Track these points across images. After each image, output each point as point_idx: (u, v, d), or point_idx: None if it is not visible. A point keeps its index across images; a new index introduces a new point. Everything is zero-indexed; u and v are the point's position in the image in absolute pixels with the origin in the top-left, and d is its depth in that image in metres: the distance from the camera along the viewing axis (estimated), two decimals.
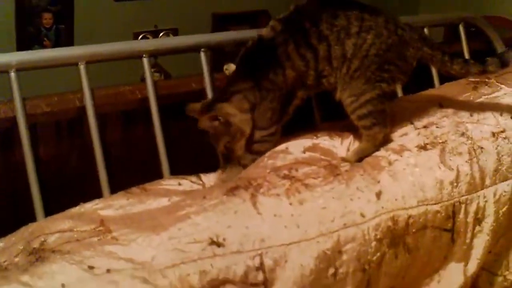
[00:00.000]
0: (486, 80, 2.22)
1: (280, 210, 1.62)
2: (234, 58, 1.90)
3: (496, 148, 1.94)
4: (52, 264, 1.41)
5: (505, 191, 1.91)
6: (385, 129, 1.83)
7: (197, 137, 1.75)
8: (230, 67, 1.95)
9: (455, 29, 2.64)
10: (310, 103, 2.05)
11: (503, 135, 1.98)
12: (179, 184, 1.78)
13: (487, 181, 1.88)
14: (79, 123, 1.85)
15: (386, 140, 1.87)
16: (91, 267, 1.41)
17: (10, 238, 1.55)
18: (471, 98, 2.09)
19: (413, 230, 1.74)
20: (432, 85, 2.13)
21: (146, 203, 1.65)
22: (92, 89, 1.84)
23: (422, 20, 2.57)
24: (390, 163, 1.81)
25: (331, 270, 1.60)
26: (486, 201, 1.87)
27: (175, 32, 3.67)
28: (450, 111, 2.03)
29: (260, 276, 1.52)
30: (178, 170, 1.90)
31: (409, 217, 1.73)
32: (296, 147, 1.87)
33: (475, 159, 1.88)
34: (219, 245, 1.51)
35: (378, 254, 1.68)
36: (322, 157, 1.84)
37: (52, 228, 1.54)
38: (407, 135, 1.91)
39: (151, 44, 2.05)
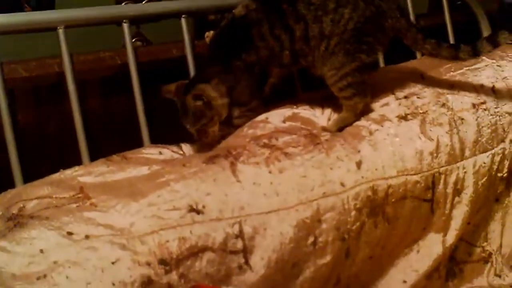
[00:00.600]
0: None
1: (259, 179, 1.62)
2: (216, 26, 1.88)
3: (476, 120, 1.94)
4: (31, 230, 1.40)
5: (484, 163, 1.92)
6: (366, 98, 1.83)
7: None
8: (211, 35, 1.93)
9: (440, 0, 2.63)
10: (291, 74, 2.03)
11: (484, 106, 1.98)
12: (160, 153, 1.77)
13: (467, 152, 1.89)
14: (58, 89, 1.82)
15: (366, 110, 1.87)
16: (69, 233, 1.40)
17: None
18: (452, 69, 2.09)
19: (393, 200, 1.74)
20: (414, 56, 2.12)
21: (126, 171, 1.64)
22: (72, 55, 1.81)
23: None
24: (370, 133, 1.81)
25: (311, 239, 1.61)
26: (465, 172, 1.88)
27: None
28: (431, 82, 2.02)
29: (240, 244, 1.52)
30: (159, 137, 1.89)
31: (389, 187, 1.74)
32: (276, 117, 1.87)
33: (455, 130, 1.88)
34: (198, 212, 1.51)
35: (358, 223, 1.68)
36: (303, 126, 1.84)
37: (31, 195, 1.53)
38: (388, 105, 1.91)
39: (130, 9, 2.01)
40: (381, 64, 2.27)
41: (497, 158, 1.96)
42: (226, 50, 1.76)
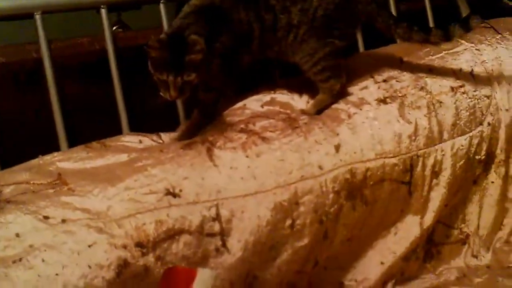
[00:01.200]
0: None
1: (236, 163, 1.64)
2: None
3: (455, 103, 1.96)
4: (7, 214, 1.41)
5: (462, 145, 1.94)
6: (341, 79, 1.84)
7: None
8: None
9: None
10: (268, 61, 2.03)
11: (462, 90, 2.00)
12: (140, 142, 1.78)
13: (445, 135, 1.90)
14: (37, 75, 1.82)
15: (343, 91, 1.87)
16: (46, 217, 1.41)
17: None
18: (432, 53, 2.10)
19: (371, 183, 1.76)
20: (393, 41, 2.13)
21: (105, 158, 1.65)
22: (50, 41, 1.81)
23: None
24: (349, 116, 1.82)
25: (288, 221, 1.62)
26: (443, 155, 1.90)
27: None
28: (410, 65, 2.03)
29: (217, 227, 1.53)
30: (138, 124, 1.89)
31: (367, 169, 1.75)
32: (254, 103, 1.88)
33: (433, 113, 1.90)
34: (175, 195, 1.52)
35: (336, 206, 1.70)
36: (281, 110, 1.85)
37: (9, 180, 1.54)
38: (367, 89, 1.92)
39: None
40: (361, 48, 2.27)
41: (475, 141, 1.97)
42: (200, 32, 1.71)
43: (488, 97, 2.03)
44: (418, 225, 1.88)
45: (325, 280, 1.80)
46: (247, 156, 1.64)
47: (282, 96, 1.90)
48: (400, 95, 1.92)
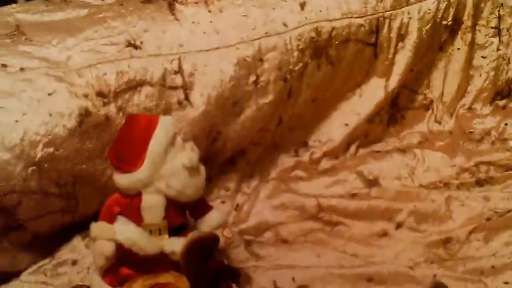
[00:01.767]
0: None
1: (198, 17, 1.62)
2: None
3: None
4: None
5: (429, 9, 1.92)
6: None
7: None
8: None
9: None
10: None
11: None
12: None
13: None
14: None
15: None
16: (4, 65, 1.40)
17: None
18: None
19: (336, 42, 1.75)
20: None
21: (65, 12, 1.62)
22: None
23: None
24: None
25: (252, 78, 1.62)
26: (410, 18, 1.89)
27: None
28: None
29: (179, 80, 1.53)
30: None
31: (333, 29, 1.74)
32: None
33: None
34: (136, 47, 1.50)
35: (300, 64, 1.69)
36: None
37: None
38: None
39: None
40: None
41: (442, 5, 1.96)
42: None
43: None
44: (383, 88, 1.90)
45: (289, 139, 1.82)
46: (209, 11, 1.63)
47: None
48: None
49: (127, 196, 1.25)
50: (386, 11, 1.84)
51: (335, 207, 1.63)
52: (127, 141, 1.25)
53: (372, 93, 1.89)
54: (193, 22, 1.58)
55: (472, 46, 2.05)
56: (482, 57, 2.06)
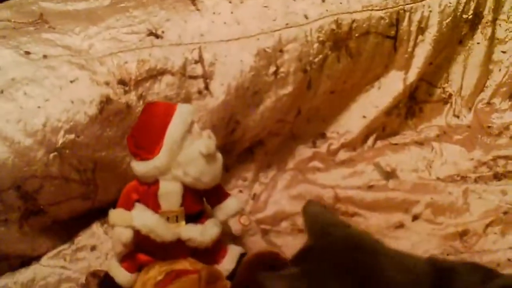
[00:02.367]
0: None
1: (219, 8, 1.63)
2: None
3: None
4: None
5: (450, 3, 1.92)
6: None
7: None
8: None
9: None
10: None
11: None
12: None
13: None
14: None
15: None
16: (27, 53, 1.41)
17: None
18: None
19: (356, 35, 1.75)
20: None
21: (88, 1, 1.64)
22: None
23: None
24: None
25: (272, 69, 1.63)
26: (430, 11, 1.88)
27: None
28: None
29: (199, 69, 1.54)
30: None
31: (353, 21, 1.74)
32: None
33: None
34: (157, 36, 1.52)
35: (320, 56, 1.70)
36: None
37: None
38: None
39: None
40: None
41: None
42: None
43: None
44: (402, 80, 1.89)
45: (308, 130, 1.83)
46: (230, 2, 1.64)
47: None
48: None
49: (145, 183, 1.27)
50: (407, 4, 1.83)
51: (352, 198, 1.63)
52: (144, 128, 1.26)
53: (391, 86, 1.89)
54: (214, 13, 1.59)
55: (492, 40, 2.04)
56: (502, 51, 2.05)
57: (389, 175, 1.74)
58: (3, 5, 1.55)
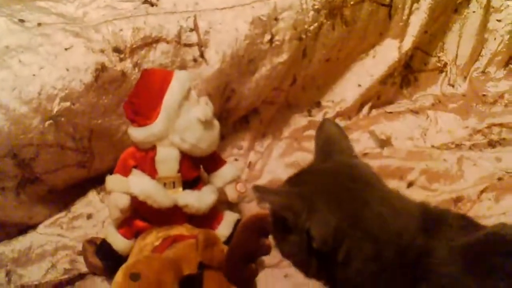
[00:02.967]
0: None
1: None
2: None
3: None
4: None
5: None
6: None
7: None
8: None
9: None
10: None
11: None
12: None
13: None
14: None
15: None
16: (21, 20, 1.40)
17: None
18: None
19: (351, 3, 1.75)
20: None
21: None
22: None
23: None
24: None
25: (267, 37, 1.62)
26: None
27: None
28: None
29: (194, 37, 1.53)
30: None
31: None
32: None
33: None
34: (152, 4, 1.51)
35: (316, 24, 1.69)
36: None
37: None
38: None
39: None
40: None
41: None
42: None
43: None
44: (397, 49, 1.90)
45: (303, 99, 1.83)
46: None
47: None
48: None
49: (142, 149, 1.27)
50: None
51: None
52: (142, 95, 1.26)
53: (386, 55, 1.89)
54: None
55: (488, 9, 2.04)
56: (497, 20, 2.05)
57: (384, 143, 1.74)
58: None
